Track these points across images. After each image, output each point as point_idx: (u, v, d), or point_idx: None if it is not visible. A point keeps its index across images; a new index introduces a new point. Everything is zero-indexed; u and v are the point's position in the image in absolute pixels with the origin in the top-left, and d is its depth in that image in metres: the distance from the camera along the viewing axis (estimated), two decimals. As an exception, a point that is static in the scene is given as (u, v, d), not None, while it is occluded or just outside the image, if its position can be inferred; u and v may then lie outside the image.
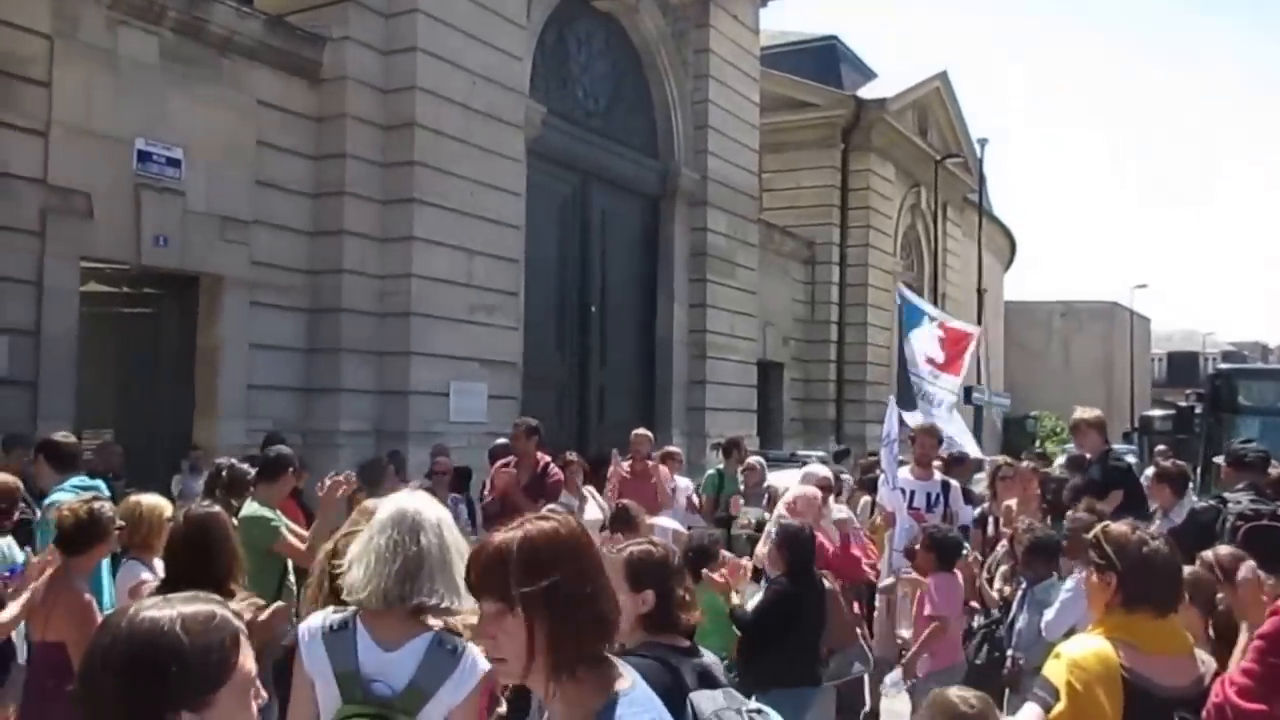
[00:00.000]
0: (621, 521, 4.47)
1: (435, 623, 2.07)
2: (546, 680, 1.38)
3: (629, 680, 1.43)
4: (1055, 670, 2.31)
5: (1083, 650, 2.31)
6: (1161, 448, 10.91)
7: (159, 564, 3.24)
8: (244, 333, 8.80)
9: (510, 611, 1.38)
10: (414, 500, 2.16)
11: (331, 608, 2.12)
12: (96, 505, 3.31)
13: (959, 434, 7.90)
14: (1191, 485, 6.68)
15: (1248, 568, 2.53)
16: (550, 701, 1.40)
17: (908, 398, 7.53)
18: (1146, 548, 2.37)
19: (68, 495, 3.96)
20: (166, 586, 2.81)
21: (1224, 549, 3.02)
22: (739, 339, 14.99)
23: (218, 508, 3.09)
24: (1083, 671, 2.26)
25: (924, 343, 7.93)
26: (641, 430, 7.82)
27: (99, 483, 4.54)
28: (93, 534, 3.25)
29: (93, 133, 7.72)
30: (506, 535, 1.43)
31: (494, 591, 1.40)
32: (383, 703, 2.00)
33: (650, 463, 7.37)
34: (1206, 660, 2.50)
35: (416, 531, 2.06)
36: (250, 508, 4.28)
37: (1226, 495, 4.83)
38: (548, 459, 6.86)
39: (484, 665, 2.01)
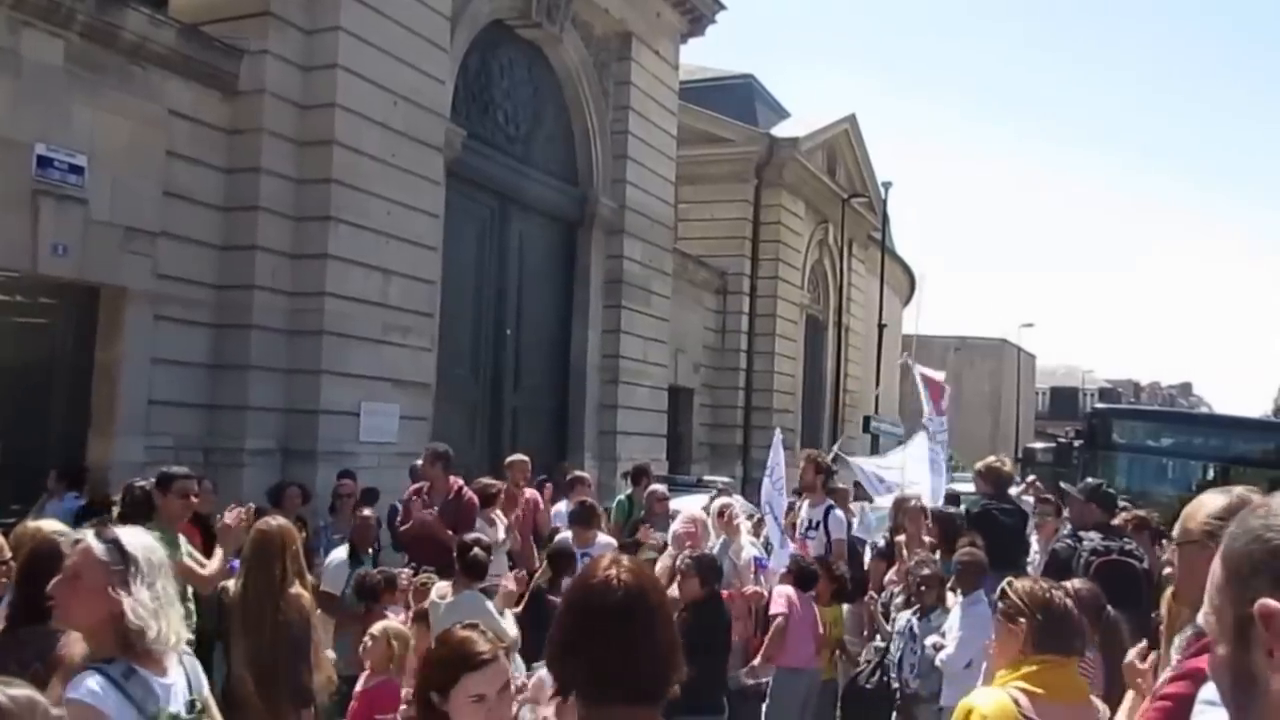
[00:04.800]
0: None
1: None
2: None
3: None
4: None
5: (987, 703, 2.46)
6: (1032, 478, 11.22)
7: None
8: (146, 347, 8.51)
9: None
10: (138, 538, 2.30)
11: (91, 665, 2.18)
12: None
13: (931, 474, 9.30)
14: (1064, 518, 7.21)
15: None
16: None
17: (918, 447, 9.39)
18: (1052, 596, 2.58)
19: None
20: (20, 618, 2.71)
21: (1078, 582, 3.36)
22: (652, 365, 15.24)
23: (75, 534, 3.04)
24: None
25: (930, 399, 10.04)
26: (518, 456, 7.91)
27: None
28: None
29: (-11, 136, 7.41)
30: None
31: None
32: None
33: (530, 489, 7.44)
34: (1102, 707, 2.70)
35: (160, 569, 2.27)
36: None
37: (1081, 534, 5.29)
38: (460, 483, 6.89)
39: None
